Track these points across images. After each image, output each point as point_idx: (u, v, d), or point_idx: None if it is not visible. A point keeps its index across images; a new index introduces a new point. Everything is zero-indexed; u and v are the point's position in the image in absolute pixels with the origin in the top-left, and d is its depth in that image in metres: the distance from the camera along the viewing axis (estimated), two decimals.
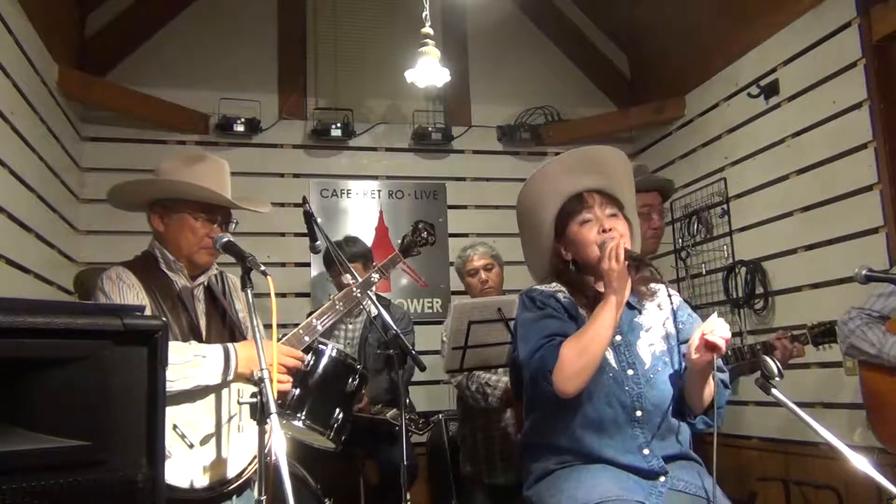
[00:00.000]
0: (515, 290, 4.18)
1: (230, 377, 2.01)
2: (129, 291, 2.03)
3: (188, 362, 1.93)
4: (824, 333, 2.90)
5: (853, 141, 3.25)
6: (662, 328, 1.99)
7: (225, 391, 2.03)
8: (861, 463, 1.69)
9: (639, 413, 1.86)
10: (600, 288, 1.97)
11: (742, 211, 3.99)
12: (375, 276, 2.50)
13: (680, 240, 4.43)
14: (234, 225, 2.23)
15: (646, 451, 1.85)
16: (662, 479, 1.83)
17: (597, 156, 2.04)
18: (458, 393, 3.43)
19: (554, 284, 2.03)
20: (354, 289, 2.43)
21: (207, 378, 1.96)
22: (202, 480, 1.92)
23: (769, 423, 3.69)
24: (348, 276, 2.49)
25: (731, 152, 4.07)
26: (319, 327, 2.31)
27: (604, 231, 1.92)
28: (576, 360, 1.79)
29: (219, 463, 1.96)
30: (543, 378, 1.82)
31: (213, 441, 1.97)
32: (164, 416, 1.27)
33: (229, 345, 2.04)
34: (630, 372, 1.90)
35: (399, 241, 2.76)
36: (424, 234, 2.69)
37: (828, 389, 3.35)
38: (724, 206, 4.10)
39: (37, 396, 1.13)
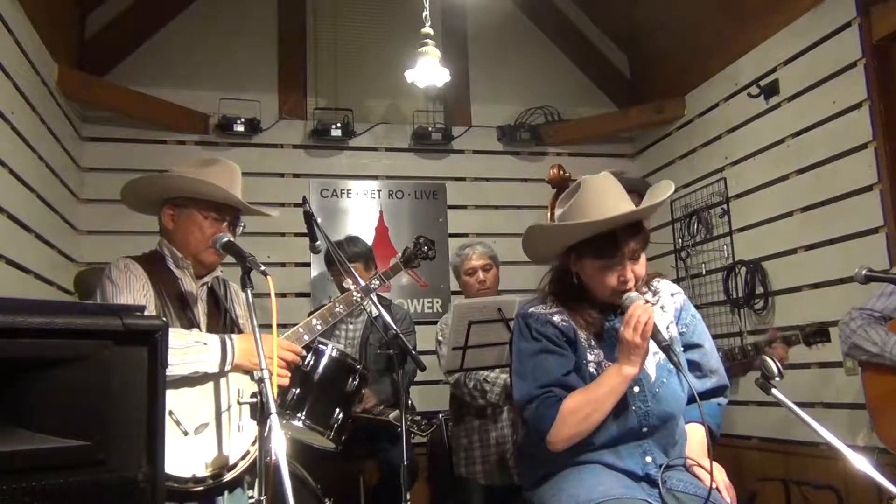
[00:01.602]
0: (514, 291, 4.20)
1: (227, 367, 2.02)
2: (135, 281, 2.04)
3: (189, 347, 1.94)
4: (816, 333, 2.91)
5: (853, 141, 3.25)
6: (666, 332, 1.96)
7: (223, 383, 2.04)
8: (861, 463, 1.69)
9: (645, 430, 1.86)
10: (596, 313, 1.93)
11: (742, 211, 3.98)
12: (376, 283, 2.52)
13: (680, 240, 4.43)
14: (241, 228, 2.24)
15: (648, 459, 1.85)
16: (663, 481, 1.83)
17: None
18: (451, 391, 3.42)
19: (550, 303, 1.97)
20: (355, 293, 2.44)
21: (206, 365, 1.97)
22: (193, 470, 1.91)
23: (769, 423, 3.69)
24: (350, 280, 2.50)
25: (731, 152, 4.07)
26: (319, 327, 2.32)
27: (623, 280, 1.83)
28: (574, 426, 1.78)
29: (212, 453, 1.96)
30: (537, 434, 1.81)
31: (207, 431, 1.97)
32: (164, 416, 1.28)
33: (226, 335, 2.06)
34: (636, 389, 1.86)
35: (401, 252, 2.83)
36: (425, 249, 2.76)
37: (828, 389, 3.35)
38: (724, 206, 4.10)
39: (37, 396, 1.13)
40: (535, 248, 2.00)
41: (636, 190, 3.15)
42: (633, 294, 1.82)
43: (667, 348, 1.76)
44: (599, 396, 1.77)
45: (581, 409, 1.77)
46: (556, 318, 1.92)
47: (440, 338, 3.40)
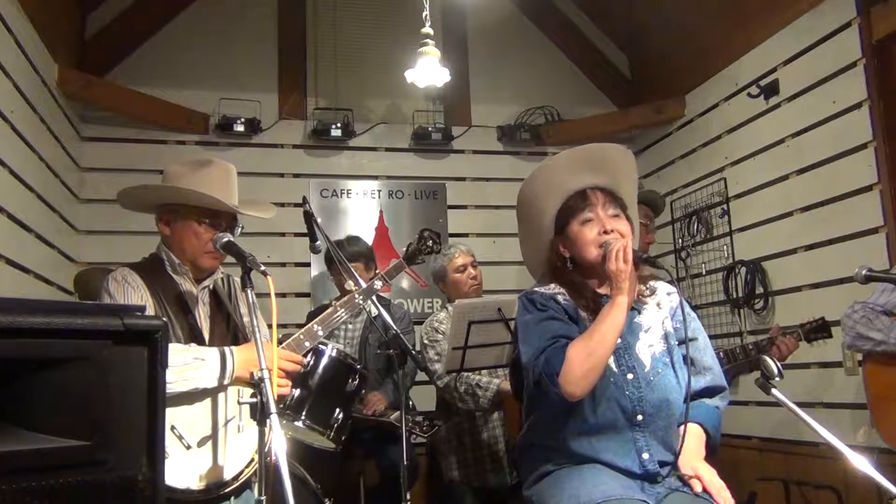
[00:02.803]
0: (512, 291, 4.19)
1: (226, 381, 2.01)
2: (133, 293, 2.04)
3: (187, 365, 1.93)
4: (817, 329, 2.91)
5: (853, 141, 3.25)
6: (661, 328, 1.97)
7: (224, 394, 2.03)
8: (861, 463, 1.69)
9: (640, 417, 1.85)
10: (600, 290, 1.98)
11: (742, 211, 3.99)
12: (378, 284, 2.50)
13: (680, 240, 4.43)
14: (239, 230, 2.23)
15: (645, 455, 1.84)
16: (662, 480, 1.83)
17: (602, 153, 2.01)
18: (438, 395, 3.40)
19: (553, 286, 2.01)
20: (357, 295, 2.43)
21: (206, 381, 1.96)
22: (199, 482, 1.91)
23: (769, 423, 3.69)
24: (351, 282, 2.48)
25: (731, 152, 4.07)
26: (320, 333, 2.31)
27: (605, 232, 1.91)
28: (583, 362, 1.77)
29: (216, 465, 1.96)
30: (549, 381, 1.79)
31: (210, 443, 1.96)
32: (164, 416, 1.27)
33: (226, 348, 2.04)
34: (630, 376, 1.88)
35: (404, 249, 2.78)
36: (430, 243, 2.70)
37: (828, 389, 3.35)
38: (724, 206, 4.10)
39: (37, 396, 1.13)
40: (529, 220, 2.09)
41: (647, 202, 3.17)
42: (611, 238, 1.90)
43: (647, 259, 1.89)
44: (601, 328, 1.80)
45: (586, 344, 1.79)
46: (560, 297, 1.97)
47: (426, 341, 3.38)
